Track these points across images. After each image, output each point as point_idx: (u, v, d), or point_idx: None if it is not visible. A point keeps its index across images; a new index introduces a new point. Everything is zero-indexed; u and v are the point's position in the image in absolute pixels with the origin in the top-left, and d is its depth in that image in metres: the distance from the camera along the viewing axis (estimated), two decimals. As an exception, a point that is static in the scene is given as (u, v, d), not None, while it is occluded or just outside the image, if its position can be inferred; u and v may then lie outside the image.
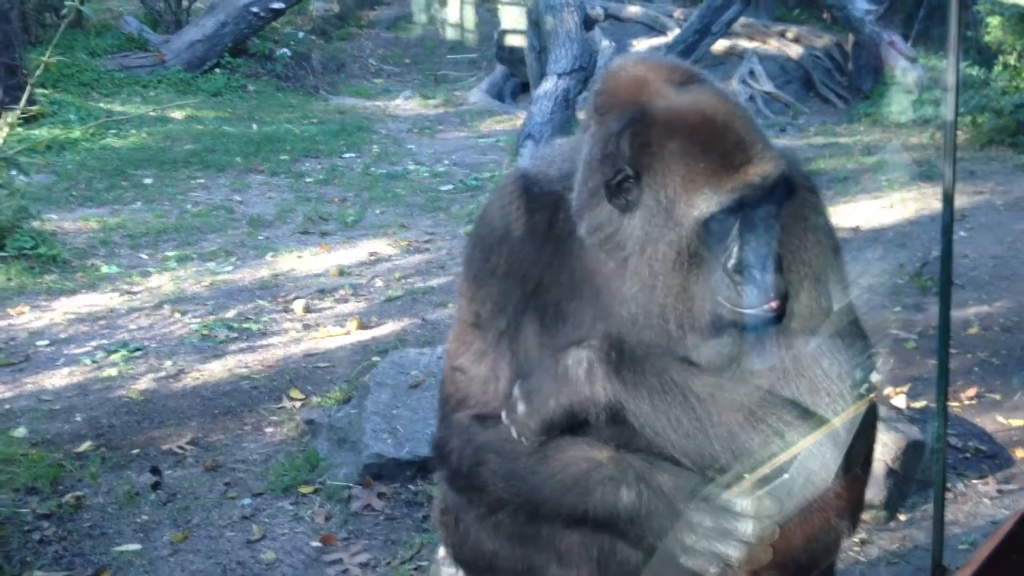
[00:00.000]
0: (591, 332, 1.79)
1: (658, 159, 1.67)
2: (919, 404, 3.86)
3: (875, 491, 3.09)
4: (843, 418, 1.75)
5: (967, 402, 4.05)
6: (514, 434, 1.80)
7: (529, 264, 1.84)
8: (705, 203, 1.64)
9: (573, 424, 1.78)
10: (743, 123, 1.70)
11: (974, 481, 3.41)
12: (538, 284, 1.84)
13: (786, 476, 1.71)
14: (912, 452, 3.20)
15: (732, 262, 1.68)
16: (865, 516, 3.09)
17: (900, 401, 3.82)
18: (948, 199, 2.03)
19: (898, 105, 10.08)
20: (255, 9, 11.75)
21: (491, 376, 1.88)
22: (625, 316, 1.76)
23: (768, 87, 11.61)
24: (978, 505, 3.26)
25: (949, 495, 3.24)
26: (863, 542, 3.01)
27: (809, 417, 1.73)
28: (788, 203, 1.77)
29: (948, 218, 2.04)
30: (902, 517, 3.16)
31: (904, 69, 10.25)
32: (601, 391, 1.74)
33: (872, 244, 6.15)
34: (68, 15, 2.91)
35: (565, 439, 1.79)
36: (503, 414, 1.82)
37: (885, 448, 3.15)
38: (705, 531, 1.69)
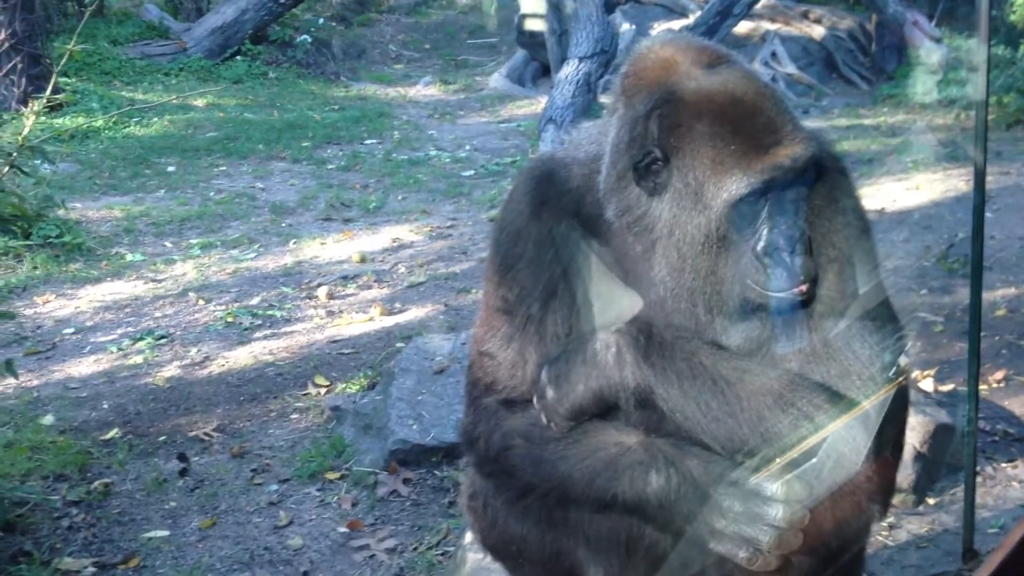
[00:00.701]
0: (621, 316, 1.78)
1: (687, 141, 1.66)
2: (947, 387, 3.83)
3: (903, 475, 3.07)
4: (873, 401, 1.74)
5: (995, 385, 4.01)
6: (543, 419, 1.80)
7: (557, 248, 1.83)
8: (734, 185, 1.63)
9: (602, 409, 1.77)
10: (773, 104, 1.68)
11: (1003, 464, 3.38)
12: (566, 268, 1.83)
13: (816, 460, 1.70)
14: (940, 435, 3.17)
15: (761, 245, 1.66)
16: (894, 500, 3.07)
17: (928, 384, 3.78)
18: (980, 181, 2.01)
19: (922, 86, 9.99)
20: (275, -4, 11.75)
21: (519, 361, 1.87)
22: (654, 300, 1.75)
23: (791, 69, 11.52)
24: (1007, 488, 3.24)
25: (978, 479, 3.21)
26: (891, 526, 2.99)
27: (839, 400, 1.72)
28: (818, 185, 1.75)
29: (979, 200, 2.01)
30: (931, 501, 3.14)
31: (928, 49, 10.14)
32: (630, 375, 1.73)
33: (898, 226, 6.09)
34: (92, 3, 2.91)
35: (594, 424, 1.78)
36: (532, 399, 1.82)
37: (913, 432, 3.12)
38: (735, 515, 1.68)
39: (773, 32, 11.93)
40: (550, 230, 1.83)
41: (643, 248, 1.74)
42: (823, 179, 1.77)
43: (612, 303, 1.82)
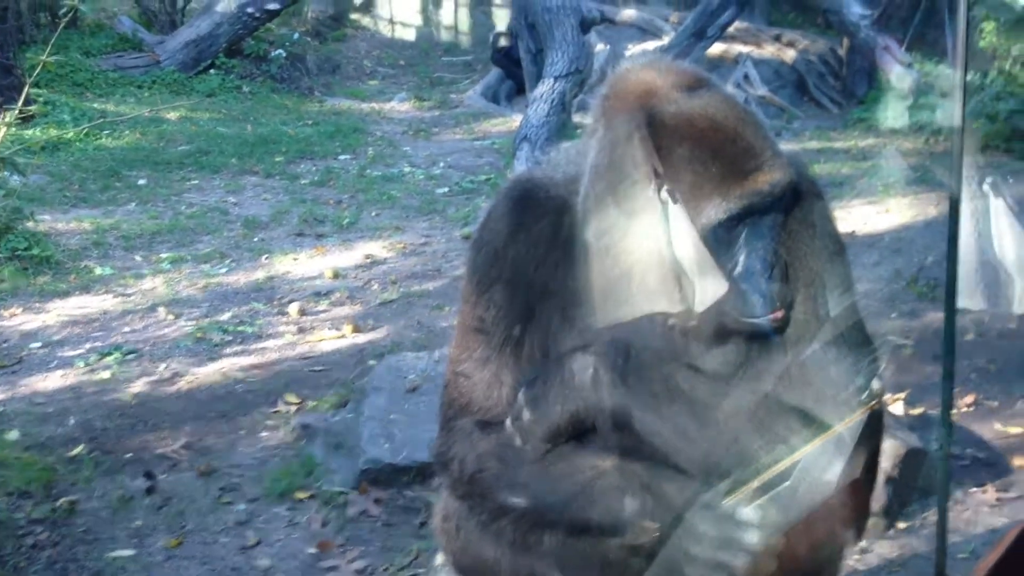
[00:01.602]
0: (598, 338, 1.77)
1: (665, 164, 1.66)
2: (918, 411, 3.85)
3: (874, 498, 3.07)
4: (848, 424, 1.74)
5: (965, 409, 4.04)
6: (518, 441, 1.79)
7: (534, 269, 1.82)
8: (713, 210, 1.63)
9: (578, 431, 1.76)
10: (752, 129, 1.68)
11: (973, 489, 3.40)
12: (543, 289, 1.82)
13: (791, 484, 1.70)
14: (911, 459, 3.19)
15: (738, 270, 1.67)
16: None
17: (898, 408, 3.81)
18: (955, 208, 2.02)
19: (893, 110, 10.07)
20: (250, 10, 11.70)
21: (495, 382, 1.86)
22: (632, 322, 1.74)
23: (763, 91, 11.61)
24: (977, 513, 3.25)
25: (950, 502, 3.23)
26: (863, 551, 2.99)
27: (814, 424, 1.72)
28: (795, 209, 1.76)
29: (954, 227, 2.03)
30: (901, 525, 3.15)
31: (899, 74, 10.24)
32: (607, 397, 1.72)
33: (868, 250, 6.13)
34: (66, 15, 2.88)
35: (570, 447, 1.77)
36: (507, 420, 1.81)
37: (884, 456, 3.12)
38: (710, 540, 1.68)
39: (746, 55, 12.03)
40: (528, 251, 1.83)
41: (621, 270, 1.73)
42: (800, 203, 1.77)
43: (590, 325, 1.81)
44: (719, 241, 1.66)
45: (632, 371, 1.73)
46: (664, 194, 1.66)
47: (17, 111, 3.01)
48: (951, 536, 3.05)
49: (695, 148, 1.65)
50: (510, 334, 1.84)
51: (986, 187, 4.42)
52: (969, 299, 4.69)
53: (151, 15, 12.44)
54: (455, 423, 1.91)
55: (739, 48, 12.33)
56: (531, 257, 1.83)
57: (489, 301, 1.86)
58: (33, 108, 6.27)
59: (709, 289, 1.68)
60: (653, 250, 1.68)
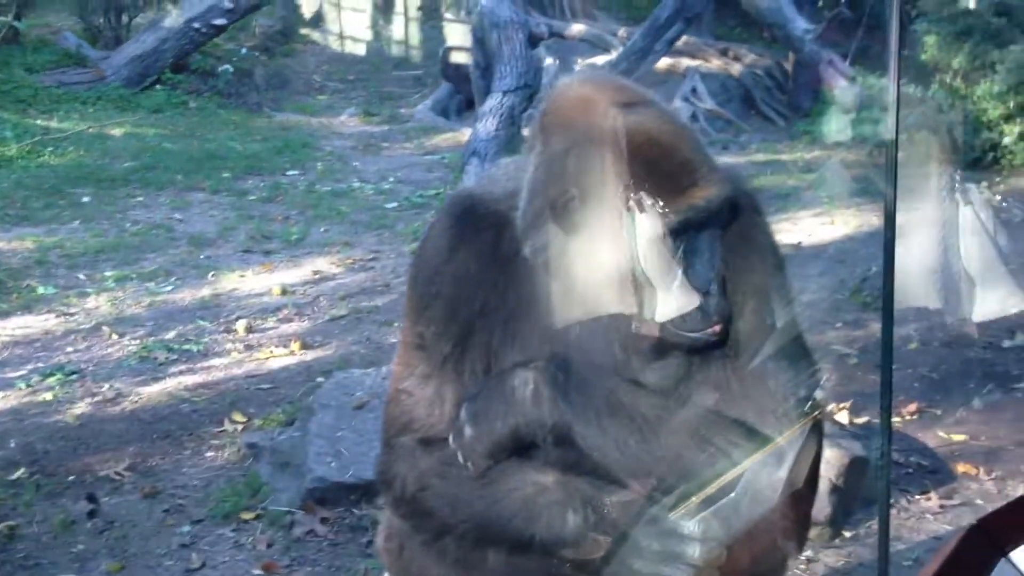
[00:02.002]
0: (538, 353, 1.78)
1: (602, 181, 1.67)
2: (861, 420, 3.90)
3: (819, 508, 3.10)
4: (788, 437, 1.76)
5: (908, 417, 4.09)
6: (461, 458, 1.78)
7: (474, 285, 1.82)
8: (649, 226, 1.64)
9: (521, 447, 1.76)
10: (689, 145, 1.69)
11: (917, 496, 3.44)
12: (484, 305, 1.82)
13: (733, 497, 1.71)
14: (855, 468, 3.22)
15: (675, 285, 1.67)
16: (810, 533, 3.10)
17: (843, 417, 3.85)
18: (890, 218, 2.05)
19: (836, 124, 10.22)
20: (197, 25, 11.62)
21: (436, 399, 1.85)
22: (572, 337, 1.75)
23: (710, 105, 11.71)
24: (921, 521, 3.29)
25: (892, 511, 3.26)
26: (808, 560, 3.02)
27: (755, 437, 1.73)
28: (733, 223, 1.77)
29: (890, 236, 2.06)
30: (847, 534, 3.18)
31: (843, 89, 10.40)
32: (547, 413, 1.72)
33: (813, 260, 6.21)
34: (1, 30, 2.83)
35: (512, 463, 1.77)
36: (449, 438, 1.80)
37: (828, 465, 3.16)
38: (652, 555, 1.68)
39: (694, 69, 12.14)
40: (467, 267, 1.82)
41: (560, 286, 1.74)
42: (738, 217, 1.79)
43: (530, 341, 1.81)
44: (656, 257, 1.67)
45: (573, 386, 1.73)
46: (594, 212, 1.66)
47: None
48: (896, 544, 3.09)
49: (630, 164, 1.66)
50: (451, 351, 1.83)
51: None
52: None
53: (96, 31, 12.31)
54: (397, 441, 1.90)
55: (687, 62, 12.44)
56: (471, 273, 1.82)
57: (429, 318, 1.85)
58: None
59: (647, 303, 1.69)
60: (590, 266, 1.69)
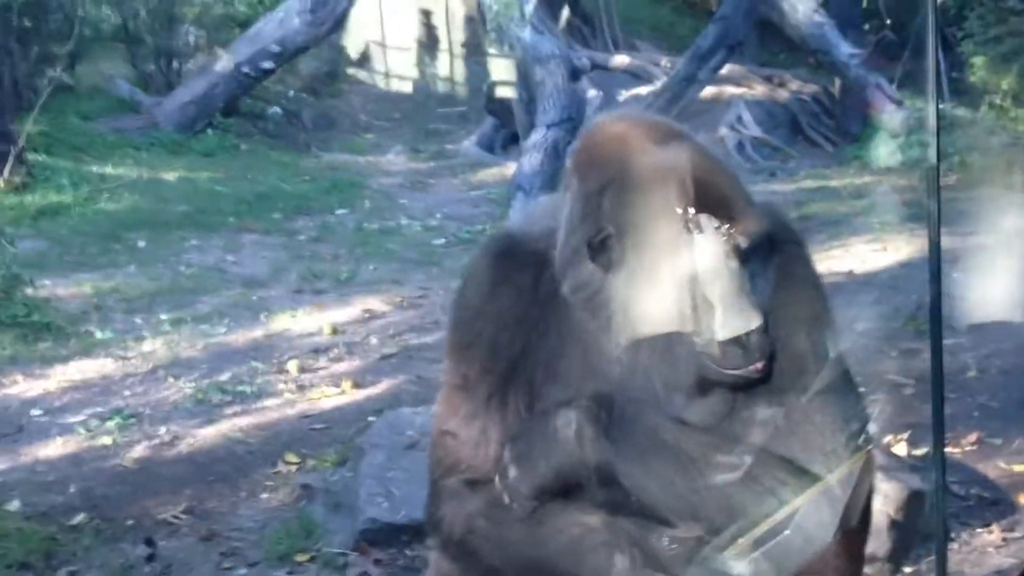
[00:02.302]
0: (581, 392, 1.77)
1: (639, 218, 1.67)
2: (920, 451, 3.82)
3: (878, 543, 3.05)
4: (839, 474, 1.74)
5: (968, 448, 4.02)
6: (506, 499, 1.78)
7: (516, 324, 1.82)
8: (687, 263, 1.64)
9: (565, 487, 1.75)
10: (725, 180, 1.69)
11: (978, 530, 3.37)
12: (526, 344, 1.82)
13: (783, 536, 1.69)
14: (914, 502, 3.16)
15: (716, 323, 1.67)
16: (868, 570, 3.05)
17: (901, 449, 3.78)
18: (935, 245, 2.03)
19: (885, 148, 10.14)
20: (246, 69, 11.82)
21: (481, 440, 1.85)
22: (614, 375, 1.75)
23: (756, 132, 11.69)
24: (982, 555, 3.22)
25: (952, 545, 3.21)
26: (867, 596, 2.96)
27: (803, 475, 1.71)
28: (773, 258, 1.76)
29: (936, 265, 2.04)
30: (907, 570, 3.12)
31: (890, 112, 10.33)
32: (591, 452, 1.72)
33: (866, 288, 6.14)
34: (51, 84, 2.90)
35: (557, 504, 1.76)
36: (495, 479, 1.80)
37: (887, 499, 3.11)
38: (703, 597, 1.67)
39: (738, 97, 12.13)
40: (508, 307, 1.83)
41: (599, 324, 1.74)
42: (778, 252, 1.78)
43: (573, 379, 1.81)
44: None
45: (616, 425, 1.72)
46: (638, 248, 1.66)
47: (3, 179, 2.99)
48: (959, 578, 3.03)
49: (666, 201, 1.66)
50: (494, 391, 1.84)
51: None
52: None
53: (147, 77, 12.56)
54: (443, 483, 1.90)
55: (732, 90, 12.44)
56: (512, 312, 1.83)
57: (472, 358, 1.86)
58: (17, 179, 6.24)
59: (688, 342, 1.69)
60: (628, 304, 1.69)
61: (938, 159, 2.03)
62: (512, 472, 1.76)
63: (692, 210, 1.66)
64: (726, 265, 1.66)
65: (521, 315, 1.82)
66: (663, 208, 1.66)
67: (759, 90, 12.53)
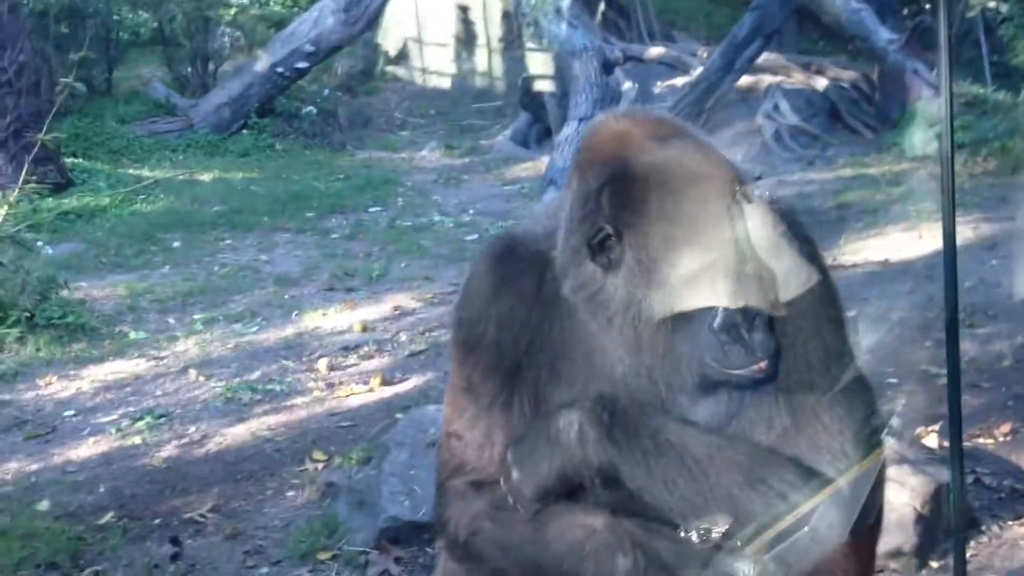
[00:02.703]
0: (584, 393, 1.75)
1: (638, 217, 1.64)
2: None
3: (904, 538, 2.99)
4: (848, 476, 1.70)
5: (1002, 439, 3.93)
6: (510, 501, 1.76)
7: (519, 326, 1.80)
8: (687, 261, 1.60)
9: (568, 489, 1.73)
10: (727, 178, 1.65)
11: (1010, 522, 3.29)
12: (529, 345, 1.80)
13: (791, 539, 1.65)
14: (943, 495, 3.09)
15: (718, 321, 1.63)
16: (895, 564, 3.00)
17: (931, 440, 3.71)
18: (949, 234, 1.98)
19: (924, 134, 9.97)
20: (280, 69, 11.90)
21: (486, 441, 1.83)
22: (617, 376, 1.72)
23: (794, 121, 11.54)
24: (1013, 548, 3.15)
25: (982, 538, 3.14)
26: (893, 592, 2.91)
27: (811, 475, 1.67)
28: (780, 256, 1.72)
29: (951, 256, 1.98)
30: (934, 564, 3.05)
31: (929, 98, 10.15)
32: (593, 454, 1.69)
33: (902, 276, 6.04)
34: (63, 92, 2.92)
35: (560, 505, 1.74)
36: (500, 480, 1.78)
37: (913, 492, 3.05)
38: (707, 599, 1.64)
39: (775, 85, 11.97)
40: (511, 308, 1.80)
41: (600, 324, 1.71)
42: (783, 247, 1.74)
43: (576, 380, 1.78)
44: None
45: (618, 426, 1.69)
46: (637, 247, 1.63)
47: (19, 187, 3.02)
48: (986, 573, 2.96)
49: (666, 199, 1.63)
50: (498, 392, 1.82)
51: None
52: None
53: (183, 80, 12.68)
54: (449, 484, 1.88)
55: (768, 79, 12.28)
56: (515, 313, 1.80)
57: (475, 360, 1.84)
58: (37, 187, 6.30)
59: (690, 342, 1.65)
60: (628, 303, 1.66)
61: (952, 152, 1.98)
62: (515, 474, 1.74)
63: (692, 209, 1.62)
64: (727, 263, 1.62)
65: (524, 316, 1.80)
66: (663, 207, 1.63)
67: (797, 78, 12.36)
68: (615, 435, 1.69)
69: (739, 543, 1.66)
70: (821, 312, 1.76)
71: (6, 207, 2.62)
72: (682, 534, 1.68)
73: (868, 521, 1.75)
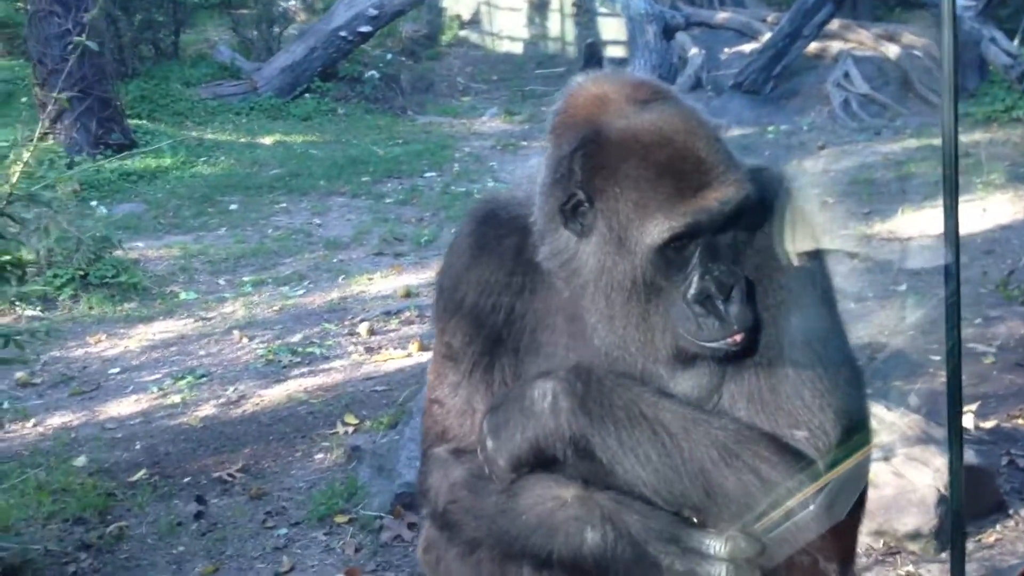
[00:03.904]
0: (563, 362, 1.71)
1: (611, 183, 1.59)
2: (989, 424, 3.63)
3: (925, 519, 2.91)
4: (830, 456, 1.64)
5: (1038, 419, 3.80)
6: (486, 470, 1.73)
7: (499, 292, 1.77)
8: (657, 229, 1.55)
9: (542, 460, 1.69)
10: (705, 143, 1.59)
11: (1040, 506, 3.18)
12: (510, 313, 1.77)
13: (765, 516, 1.60)
14: (968, 477, 2.99)
15: (692, 292, 1.58)
16: (913, 546, 2.91)
17: (968, 420, 3.59)
18: (952, 214, 1.89)
19: (1000, 104, 9.65)
20: (344, 33, 11.91)
21: (467, 409, 1.81)
22: (595, 346, 1.68)
23: (864, 89, 11.24)
24: (1042, 533, 3.04)
25: (1009, 521, 3.03)
26: (908, 575, 2.83)
27: (789, 453, 1.62)
28: (767, 225, 1.66)
29: (953, 237, 1.90)
30: (956, 548, 2.95)
31: (1006, 66, 9.80)
32: (566, 424, 1.65)
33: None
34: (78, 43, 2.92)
35: (534, 476, 1.71)
36: (477, 450, 1.76)
37: (938, 473, 2.97)
38: (675, 575, 1.60)
39: (846, 52, 11.67)
40: (491, 274, 1.77)
41: (575, 293, 1.67)
42: (772, 218, 1.68)
43: (555, 350, 1.75)
44: (670, 262, 1.58)
45: (592, 397, 1.65)
46: (609, 214, 1.58)
47: (35, 143, 3.06)
48: (1010, 558, 2.87)
49: (640, 165, 1.57)
50: (478, 360, 1.79)
51: None
52: None
53: (249, 43, 12.77)
54: (432, 451, 1.87)
55: (838, 46, 11.98)
56: (495, 280, 1.77)
57: (456, 327, 1.81)
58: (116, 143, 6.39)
59: (664, 312, 1.61)
60: (603, 271, 1.61)
61: (955, 118, 1.89)
62: (489, 443, 1.71)
63: (665, 174, 1.57)
64: (700, 232, 1.57)
65: (504, 282, 1.77)
66: (635, 173, 1.57)
67: (868, 45, 12.02)
68: (588, 406, 1.65)
69: (712, 519, 1.62)
70: (808, 287, 1.70)
71: (21, 164, 2.65)
72: (655, 509, 1.64)
73: (850, 503, 1.69)
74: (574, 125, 1.66)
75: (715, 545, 1.60)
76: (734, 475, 1.61)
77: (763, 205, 1.64)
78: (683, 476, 1.62)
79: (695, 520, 1.64)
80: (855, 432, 1.67)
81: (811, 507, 1.61)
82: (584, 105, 1.67)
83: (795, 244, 1.70)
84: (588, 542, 1.63)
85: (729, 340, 1.59)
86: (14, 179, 2.69)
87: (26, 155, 2.83)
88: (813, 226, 1.77)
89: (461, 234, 1.85)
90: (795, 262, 1.69)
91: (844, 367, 1.69)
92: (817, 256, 1.74)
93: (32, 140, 3.08)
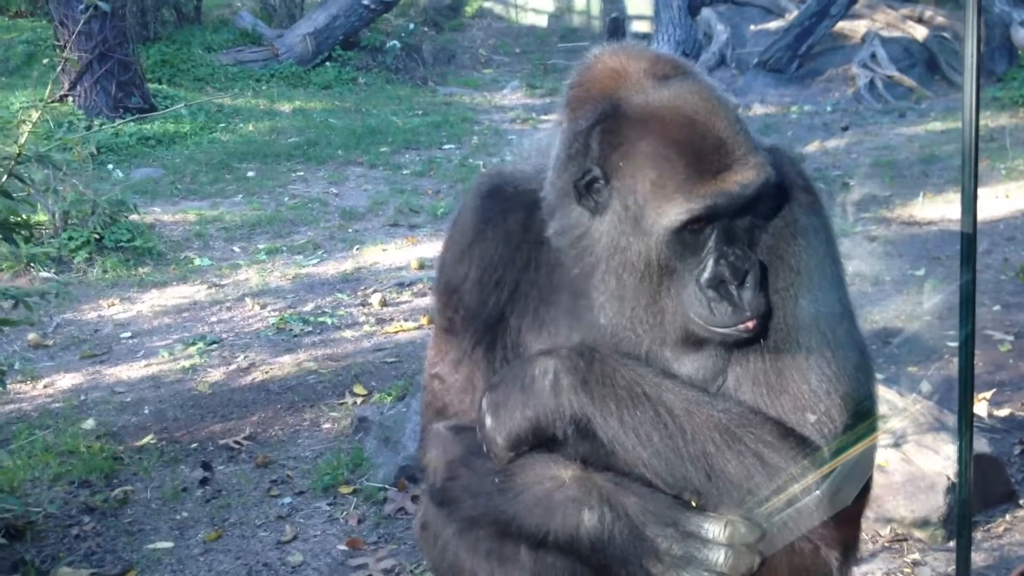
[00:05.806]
0: (567, 340, 1.68)
1: (628, 160, 1.54)
2: (1003, 412, 3.58)
3: (934, 507, 2.87)
4: (836, 442, 1.60)
5: (1059, 409, 3.74)
6: (485, 448, 1.71)
7: (503, 268, 1.73)
8: (674, 211, 1.50)
9: (541, 438, 1.67)
10: (727, 124, 1.54)
11: (1056, 496, 3.14)
12: (514, 289, 1.73)
13: (767, 501, 1.57)
14: (979, 466, 2.95)
15: (706, 276, 1.54)
16: (920, 534, 2.87)
17: (980, 408, 3.54)
18: (969, 201, 1.84)
19: (1025, 89, 9.52)
20: (366, 2, 11.85)
21: (467, 385, 1.78)
22: (600, 325, 1.64)
23: (891, 70, 11.11)
24: (1056, 524, 3.00)
25: (1020, 511, 2.99)
26: (915, 564, 2.79)
27: (793, 438, 1.58)
28: (781, 210, 1.62)
29: (971, 226, 1.85)
30: (964, 537, 2.91)
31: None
32: (566, 403, 1.62)
33: (980, 237, 5.77)
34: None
35: (534, 455, 1.68)
36: (476, 427, 1.73)
37: (948, 461, 2.92)
38: (673, 559, 1.58)
39: (873, 33, 11.53)
40: (495, 249, 1.74)
41: (584, 271, 1.63)
42: (787, 204, 1.63)
43: (559, 327, 1.72)
44: (685, 245, 1.54)
45: (594, 376, 1.62)
46: (625, 193, 1.54)
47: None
48: (1019, 550, 2.83)
49: (659, 143, 1.52)
50: (480, 336, 1.76)
51: None
52: None
53: (271, 9, 12.73)
54: (432, 428, 1.84)
55: (866, 25, 11.84)
56: (499, 255, 1.74)
57: (458, 302, 1.78)
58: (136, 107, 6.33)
59: (676, 295, 1.57)
60: (615, 251, 1.57)
61: (977, 99, 1.84)
62: (488, 421, 1.68)
63: (684, 154, 1.52)
64: (718, 215, 1.53)
65: (509, 258, 1.73)
66: (653, 151, 1.53)
67: (896, 26, 11.87)
68: (590, 384, 1.62)
69: (712, 502, 1.59)
70: (817, 271, 1.66)
71: (30, 124, 2.62)
72: (654, 491, 1.61)
73: (854, 491, 1.66)
74: (590, 99, 1.62)
75: (714, 529, 1.58)
76: (736, 459, 1.58)
77: (778, 187, 1.60)
78: (684, 458, 1.59)
79: (695, 503, 1.61)
80: (862, 419, 1.64)
81: (814, 494, 1.58)
82: (600, 79, 1.63)
83: (803, 225, 1.66)
84: (585, 523, 1.61)
85: (741, 327, 1.55)
86: (22, 139, 2.66)
87: (35, 116, 2.81)
88: (820, 207, 1.73)
89: (465, 208, 1.81)
90: (805, 245, 1.66)
91: (852, 353, 1.66)
92: (827, 238, 1.70)
93: (43, 101, 3.05)
